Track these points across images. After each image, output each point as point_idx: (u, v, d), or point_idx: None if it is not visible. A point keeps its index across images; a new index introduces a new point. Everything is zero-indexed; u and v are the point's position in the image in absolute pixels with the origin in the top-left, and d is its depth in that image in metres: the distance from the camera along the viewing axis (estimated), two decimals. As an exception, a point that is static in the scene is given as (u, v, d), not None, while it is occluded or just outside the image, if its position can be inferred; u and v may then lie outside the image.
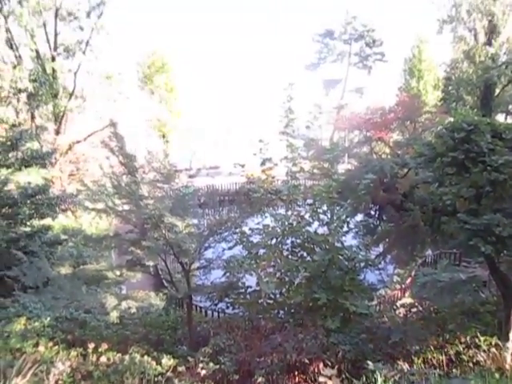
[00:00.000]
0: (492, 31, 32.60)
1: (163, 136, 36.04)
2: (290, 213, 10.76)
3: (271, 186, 11.79)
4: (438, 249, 17.50)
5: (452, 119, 16.65)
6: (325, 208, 10.80)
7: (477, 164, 7.38)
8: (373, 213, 15.76)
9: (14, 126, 14.05)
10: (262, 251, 10.31)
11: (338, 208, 10.90)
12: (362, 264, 9.91)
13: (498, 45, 32.69)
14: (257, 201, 11.35)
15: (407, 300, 12.97)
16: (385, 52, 44.05)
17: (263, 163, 11.36)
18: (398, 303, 12.53)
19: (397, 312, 11.44)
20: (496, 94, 33.87)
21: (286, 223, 10.33)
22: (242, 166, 11.68)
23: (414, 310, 10.93)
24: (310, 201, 11.43)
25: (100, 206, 10.58)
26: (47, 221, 13.31)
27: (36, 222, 12.72)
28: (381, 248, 14.23)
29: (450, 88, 39.05)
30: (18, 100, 20.97)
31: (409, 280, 16.41)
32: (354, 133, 31.15)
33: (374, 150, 25.62)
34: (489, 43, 32.66)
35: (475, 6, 32.08)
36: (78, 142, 23.80)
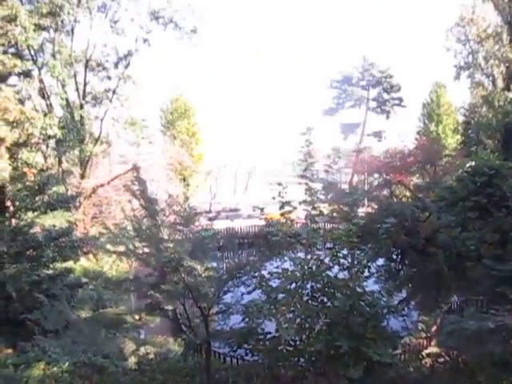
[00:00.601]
0: (510, 77, 32.80)
1: (184, 179, 36.68)
2: (309, 257, 10.64)
3: (290, 230, 11.76)
4: (464, 295, 16.92)
5: (473, 163, 16.59)
6: (345, 252, 10.66)
7: (500, 208, 7.30)
8: (394, 257, 15.53)
9: (42, 170, 14.58)
10: (281, 296, 10.15)
11: (358, 252, 10.76)
12: (385, 310, 9.63)
13: (517, 90, 32.81)
14: (276, 244, 11.31)
15: (433, 349, 12.45)
16: (403, 97, 44.62)
17: (282, 206, 11.41)
18: (424, 352, 12.03)
19: (423, 362, 10.97)
20: (517, 137, 33.62)
21: (306, 267, 10.20)
22: (261, 209, 11.74)
23: (441, 360, 10.47)
24: (329, 245, 11.32)
25: (121, 248, 10.72)
26: (69, 263, 13.49)
27: (58, 265, 12.90)
28: (404, 293, 13.83)
29: (469, 132, 39.03)
30: (47, 146, 21.87)
31: (434, 328, 15.80)
32: (374, 176, 31.10)
33: (394, 193, 25.39)
34: (507, 88, 32.79)
35: (492, 53, 32.53)
36: (102, 185, 24.41)
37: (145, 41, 24.89)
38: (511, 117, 30.51)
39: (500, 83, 33.75)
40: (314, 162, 11.85)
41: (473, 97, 37.97)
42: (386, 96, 44.68)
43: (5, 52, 13.54)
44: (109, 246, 11.25)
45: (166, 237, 9.95)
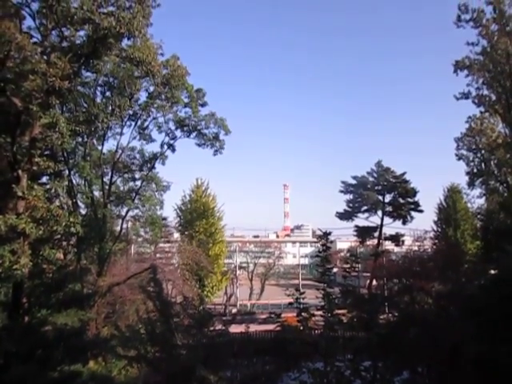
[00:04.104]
0: (524, 184, 33.18)
1: (199, 280, 36.26)
2: (328, 368, 10.08)
3: (308, 337, 11.31)
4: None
5: (495, 271, 16.15)
6: (366, 364, 10.11)
7: (528, 321, 6.99)
8: (420, 370, 14.47)
9: (61, 267, 14.72)
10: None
11: (380, 364, 10.19)
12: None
13: (533, 196, 32.93)
14: (293, 353, 10.80)
15: None
16: (419, 201, 44.99)
17: (300, 313, 11.12)
18: None
19: None
20: (540, 244, 32.89)
21: (325, 380, 9.64)
22: (278, 315, 11.41)
23: None
24: (349, 355, 10.77)
25: (132, 353, 10.38)
26: (77, 366, 12.95)
27: (66, 368, 12.39)
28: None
29: (488, 237, 38.55)
30: (68, 243, 22.22)
31: None
32: (393, 281, 30.26)
33: (416, 299, 24.45)
34: (523, 195, 32.99)
35: (504, 161, 33.33)
36: (118, 283, 24.20)
37: (169, 146, 26.39)
38: (530, 224, 30.23)
39: (515, 189, 34.06)
40: (332, 266, 11.78)
41: (489, 202, 38.15)
42: (401, 201, 45.17)
43: (41, 154, 14.52)
44: (119, 350, 10.93)
45: (179, 342, 9.68)
